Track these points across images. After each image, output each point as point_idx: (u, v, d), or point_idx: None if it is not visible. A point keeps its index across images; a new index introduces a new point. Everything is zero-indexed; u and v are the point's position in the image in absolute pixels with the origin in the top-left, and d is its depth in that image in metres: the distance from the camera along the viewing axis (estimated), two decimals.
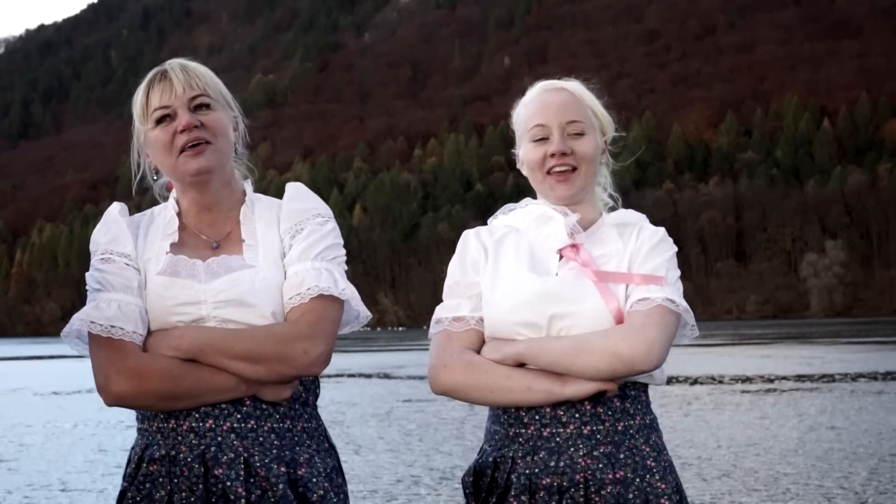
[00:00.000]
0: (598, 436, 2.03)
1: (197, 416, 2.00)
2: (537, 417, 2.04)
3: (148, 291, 2.05)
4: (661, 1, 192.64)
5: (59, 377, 24.72)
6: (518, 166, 2.27)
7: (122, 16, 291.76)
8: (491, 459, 2.08)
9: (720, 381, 18.22)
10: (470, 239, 2.20)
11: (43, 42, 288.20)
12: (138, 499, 2.01)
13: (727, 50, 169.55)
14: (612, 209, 2.27)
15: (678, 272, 2.13)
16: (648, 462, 2.05)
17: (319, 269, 2.06)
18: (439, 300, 2.21)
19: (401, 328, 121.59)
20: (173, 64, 2.11)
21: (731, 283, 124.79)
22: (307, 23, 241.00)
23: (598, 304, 2.05)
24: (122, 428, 12.14)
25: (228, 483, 1.96)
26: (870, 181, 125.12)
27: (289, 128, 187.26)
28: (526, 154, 2.20)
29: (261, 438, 2.01)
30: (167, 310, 2.03)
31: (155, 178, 2.18)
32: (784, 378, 18.70)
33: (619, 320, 2.04)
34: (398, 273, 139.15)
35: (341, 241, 2.15)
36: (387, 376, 22.19)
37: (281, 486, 1.97)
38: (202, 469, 1.98)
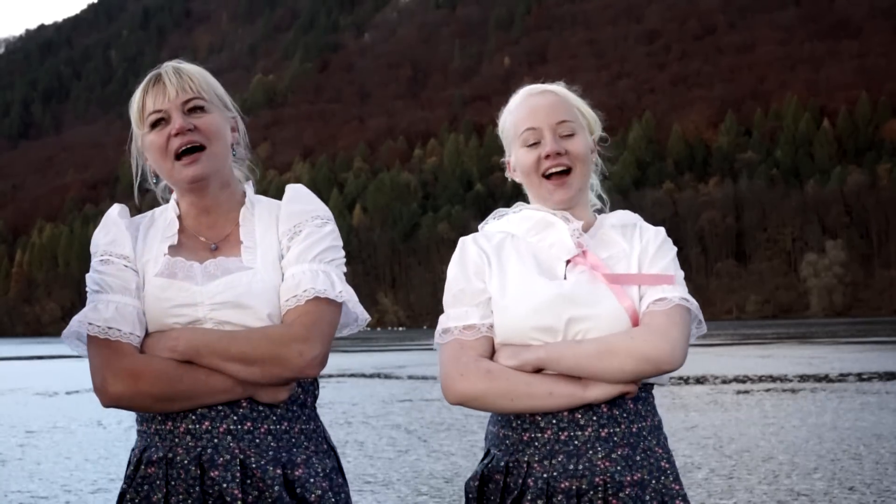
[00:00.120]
0: (616, 438, 2.03)
1: (193, 417, 2.00)
2: (554, 421, 2.03)
3: (146, 293, 2.05)
4: (661, 1, 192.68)
5: (59, 377, 24.68)
6: (508, 174, 2.25)
7: (122, 16, 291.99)
8: (502, 464, 2.06)
9: (720, 381, 18.21)
10: (469, 245, 2.17)
11: (43, 42, 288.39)
12: (136, 500, 2.01)
13: (727, 50, 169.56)
14: (599, 211, 2.27)
15: (682, 271, 2.16)
16: (662, 464, 2.05)
17: (317, 271, 2.05)
18: (439, 300, 2.18)
19: (401, 328, 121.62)
20: (167, 67, 2.11)
21: (731, 283, 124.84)
22: (307, 23, 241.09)
23: (615, 306, 2.04)
24: (123, 429, 12.13)
25: (224, 485, 1.96)
26: (870, 181, 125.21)
27: (289, 128, 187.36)
28: (519, 159, 2.18)
29: (257, 440, 2.00)
30: (164, 311, 2.03)
31: (155, 181, 2.18)
32: (784, 378, 18.69)
33: (636, 321, 2.05)
34: (398, 273, 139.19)
35: (340, 244, 2.14)
36: (387, 376, 22.18)
37: (277, 487, 1.96)
38: (198, 471, 1.97)
